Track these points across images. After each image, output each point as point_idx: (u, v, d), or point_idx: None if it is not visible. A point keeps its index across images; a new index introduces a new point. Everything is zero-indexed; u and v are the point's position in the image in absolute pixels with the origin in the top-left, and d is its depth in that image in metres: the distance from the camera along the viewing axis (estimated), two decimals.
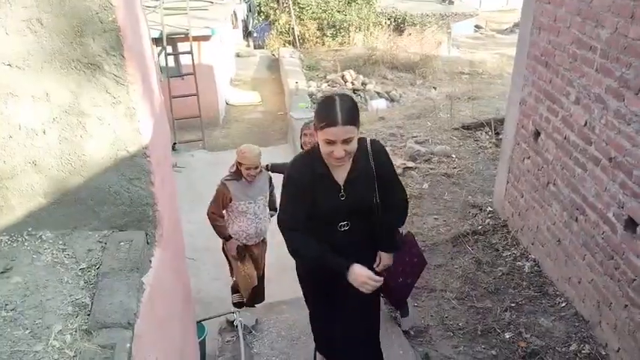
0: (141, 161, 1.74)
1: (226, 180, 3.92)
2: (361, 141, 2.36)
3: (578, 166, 3.68)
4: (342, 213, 2.41)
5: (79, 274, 1.62)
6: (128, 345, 1.35)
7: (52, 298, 1.52)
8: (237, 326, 3.47)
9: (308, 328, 3.66)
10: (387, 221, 2.57)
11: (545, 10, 4.12)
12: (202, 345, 3.71)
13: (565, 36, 3.80)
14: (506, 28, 20.96)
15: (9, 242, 1.71)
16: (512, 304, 3.87)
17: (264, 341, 3.51)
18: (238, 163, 3.84)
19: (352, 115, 2.17)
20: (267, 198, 4.10)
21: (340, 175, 2.37)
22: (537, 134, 4.32)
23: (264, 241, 4.33)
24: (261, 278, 4.47)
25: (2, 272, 1.60)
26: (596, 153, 3.45)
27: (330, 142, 2.16)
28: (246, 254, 4.19)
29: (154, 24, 9.25)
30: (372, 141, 2.46)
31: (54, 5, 1.50)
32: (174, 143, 8.66)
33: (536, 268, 4.24)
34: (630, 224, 3.14)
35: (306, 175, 2.33)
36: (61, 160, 1.69)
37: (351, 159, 2.30)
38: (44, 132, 1.64)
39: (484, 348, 3.49)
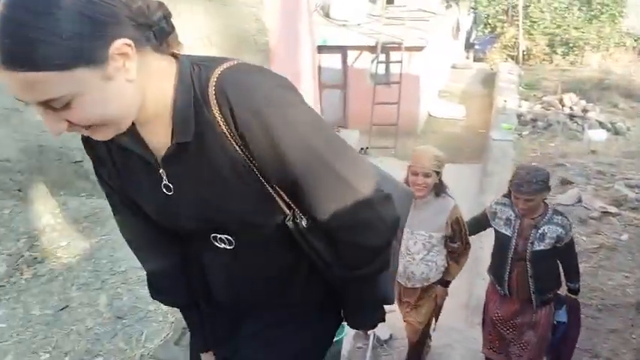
0: None
1: None
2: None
3: None
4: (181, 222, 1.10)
5: None
6: None
7: None
8: (370, 336, 3.54)
9: (443, 357, 3.55)
10: (342, 278, 1.18)
11: None
12: (339, 344, 3.88)
13: None
14: None
15: None
16: None
17: (392, 357, 3.53)
18: (407, 168, 2.74)
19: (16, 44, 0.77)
20: (440, 240, 2.78)
21: (161, 146, 1.02)
22: None
23: (428, 290, 2.93)
24: (420, 337, 3.12)
25: None
26: None
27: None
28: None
29: (371, 32, 9.74)
30: (229, 73, 0.95)
31: (220, 25, 1.78)
32: (367, 147, 9.04)
33: None
34: None
35: (100, 146, 1.09)
36: None
37: (172, 108, 0.96)
38: None
39: None
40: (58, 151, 2.24)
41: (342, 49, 10.10)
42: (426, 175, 2.61)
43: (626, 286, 4.43)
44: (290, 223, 1.07)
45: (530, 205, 2.58)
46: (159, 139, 1.00)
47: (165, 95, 0.94)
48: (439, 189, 2.69)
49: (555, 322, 2.89)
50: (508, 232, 2.71)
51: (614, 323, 4.03)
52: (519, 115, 9.75)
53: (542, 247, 2.64)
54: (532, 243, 2.65)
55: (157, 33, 0.90)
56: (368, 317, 1.32)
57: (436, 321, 3.13)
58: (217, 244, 1.12)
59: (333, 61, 10.26)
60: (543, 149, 7.89)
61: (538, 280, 2.73)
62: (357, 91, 10.18)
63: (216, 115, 0.93)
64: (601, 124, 9.45)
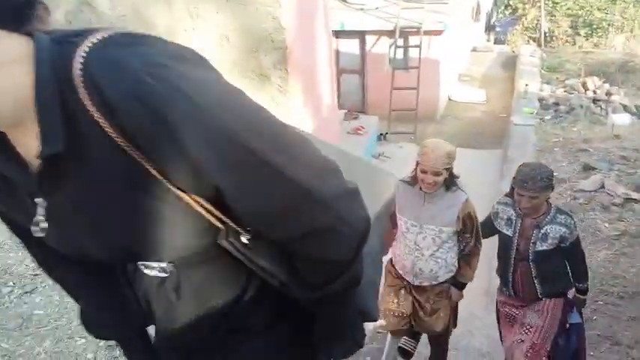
0: None
1: (400, 181, 2.67)
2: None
3: None
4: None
5: None
6: None
7: None
8: None
9: (462, 344, 3.59)
10: (302, 300, 0.95)
11: None
12: None
13: None
14: None
15: None
16: None
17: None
18: (416, 163, 2.59)
19: None
20: (451, 236, 2.67)
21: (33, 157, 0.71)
22: None
23: (441, 292, 2.81)
24: (436, 347, 3.20)
25: None
26: None
27: None
28: (403, 286, 2.87)
29: (389, 16, 9.67)
30: (98, 48, 0.66)
31: (237, 25, 1.82)
32: (386, 133, 9.03)
33: None
34: None
35: None
36: None
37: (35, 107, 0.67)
38: None
39: None
40: None
41: (360, 34, 10.04)
42: (436, 174, 2.48)
43: None
44: (224, 242, 0.81)
45: (534, 203, 2.47)
46: (32, 151, 0.69)
47: (23, 89, 0.66)
48: (450, 183, 2.57)
49: (569, 324, 2.76)
50: (509, 232, 2.64)
51: (635, 311, 4.01)
52: (541, 99, 9.62)
53: (544, 248, 2.56)
54: (534, 243, 2.57)
55: (6, 6, 0.64)
56: (340, 345, 1.02)
57: (455, 322, 3.03)
58: (149, 271, 0.86)
59: (351, 46, 10.21)
60: (566, 134, 7.79)
61: (544, 281, 2.65)
62: (376, 76, 10.13)
63: (90, 108, 0.65)
64: (625, 108, 9.27)
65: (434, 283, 2.76)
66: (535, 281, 2.65)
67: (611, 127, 7.95)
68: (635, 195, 5.51)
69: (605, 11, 14.34)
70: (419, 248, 2.70)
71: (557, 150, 7.08)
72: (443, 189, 2.57)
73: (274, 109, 1.93)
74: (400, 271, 2.83)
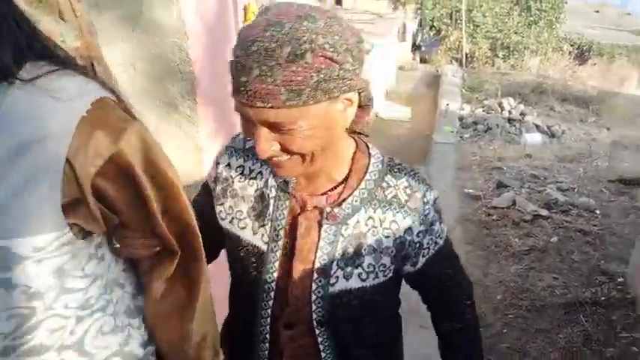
0: None
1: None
2: None
3: None
4: None
5: None
6: None
7: None
8: None
9: None
10: None
11: None
12: None
13: None
14: None
15: None
16: None
17: None
18: None
19: None
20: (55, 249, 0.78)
21: None
22: None
23: None
24: None
25: None
26: None
27: None
28: None
29: None
30: None
31: (144, 54, 1.79)
32: None
33: None
34: None
35: None
36: None
37: None
38: None
39: None
40: None
41: None
42: None
43: (555, 287, 4.69)
44: None
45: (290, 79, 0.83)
46: None
47: None
48: None
49: None
50: (258, 239, 1.07)
51: (541, 324, 4.25)
52: (461, 118, 10.08)
53: (358, 283, 1.03)
54: (323, 269, 1.02)
55: None
56: None
57: None
58: None
59: None
60: (483, 152, 8.19)
61: None
62: None
63: None
64: (538, 128, 9.90)
65: None
66: None
67: (523, 147, 8.45)
68: (543, 212, 5.88)
69: (522, 35, 15.32)
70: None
71: (475, 168, 7.43)
72: None
73: (182, 138, 1.91)
74: None
